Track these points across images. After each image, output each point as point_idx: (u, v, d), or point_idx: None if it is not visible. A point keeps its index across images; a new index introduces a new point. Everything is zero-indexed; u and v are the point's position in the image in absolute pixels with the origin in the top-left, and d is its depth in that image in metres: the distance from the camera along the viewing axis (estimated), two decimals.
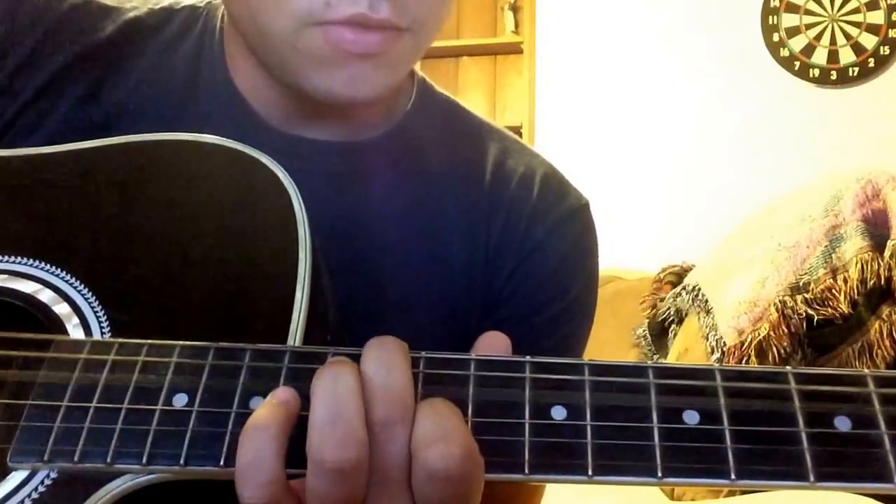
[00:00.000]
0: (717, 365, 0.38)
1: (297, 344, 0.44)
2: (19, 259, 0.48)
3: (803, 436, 0.36)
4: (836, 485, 0.35)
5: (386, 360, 0.38)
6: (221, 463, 0.38)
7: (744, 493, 1.54)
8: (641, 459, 0.36)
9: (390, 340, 0.39)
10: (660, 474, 0.36)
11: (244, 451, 0.36)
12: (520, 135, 2.97)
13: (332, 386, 0.37)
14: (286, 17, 0.52)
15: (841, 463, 0.35)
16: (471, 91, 3.44)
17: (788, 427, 0.36)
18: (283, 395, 0.38)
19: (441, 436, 0.36)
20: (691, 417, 0.37)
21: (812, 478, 0.35)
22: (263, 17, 0.53)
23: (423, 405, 0.37)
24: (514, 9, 3.29)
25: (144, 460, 0.39)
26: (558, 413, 0.38)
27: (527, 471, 0.37)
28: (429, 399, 0.38)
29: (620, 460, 0.36)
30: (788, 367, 0.38)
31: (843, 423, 0.36)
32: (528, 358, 0.39)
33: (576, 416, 0.38)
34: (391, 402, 0.37)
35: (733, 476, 0.35)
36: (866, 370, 0.38)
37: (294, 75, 0.54)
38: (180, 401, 0.40)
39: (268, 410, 0.37)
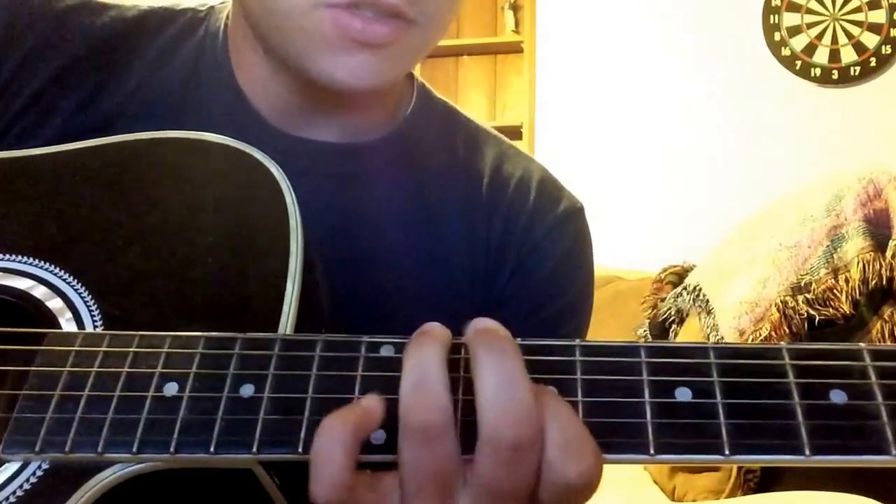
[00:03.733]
0: (710, 343, 0.38)
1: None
2: (14, 256, 0.49)
3: (798, 409, 0.36)
4: (832, 458, 0.35)
5: (507, 371, 0.35)
6: (212, 450, 0.38)
7: (745, 493, 1.54)
8: (634, 437, 0.36)
9: (508, 344, 0.37)
10: (652, 451, 0.35)
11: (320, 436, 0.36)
12: (520, 135, 2.97)
13: (418, 353, 0.37)
14: None
15: (837, 436, 0.35)
16: (471, 90, 3.44)
17: (783, 401, 0.36)
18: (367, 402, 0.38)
19: (577, 444, 0.35)
20: (683, 394, 0.37)
21: (807, 451, 0.35)
22: None
23: (544, 404, 0.35)
24: (515, 8, 3.30)
25: (135, 449, 0.38)
26: None
27: None
28: (542, 389, 0.36)
29: (613, 438, 0.36)
30: (783, 343, 0.37)
31: (838, 397, 0.36)
32: (518, 340, 0.39)
33: (567, 395, 0.37)
34: (521, 422, 0.35)
35: (727, 451, 0.35)
36: (862, 344, 0.37)
37: (299, 58, 0.54)
38: (171, 389, 0.40)
39: (338, 414, 0.37)
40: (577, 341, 0.39)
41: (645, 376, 0.37)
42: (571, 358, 0.38)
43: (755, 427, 0.35)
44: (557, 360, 0.38)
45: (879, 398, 0.35)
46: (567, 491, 0.35)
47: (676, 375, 0.37)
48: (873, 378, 0.36)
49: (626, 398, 0.37)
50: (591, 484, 0.35)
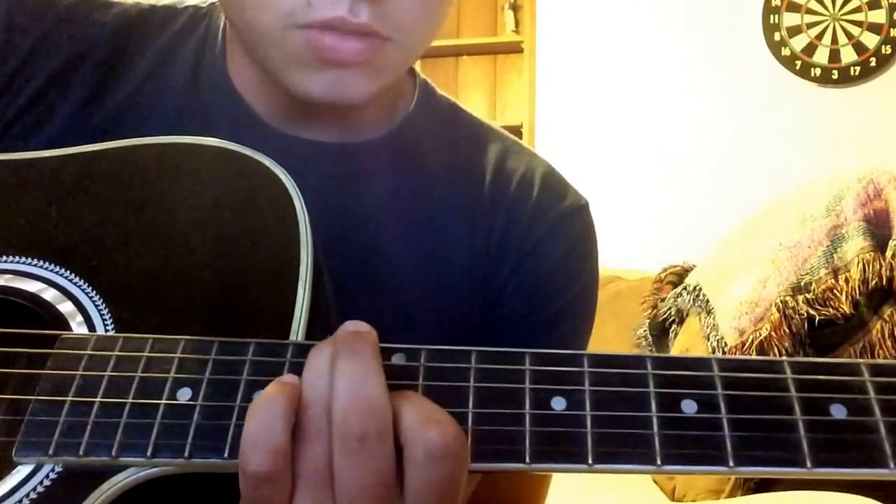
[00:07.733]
0: (714, 356, 0.39)
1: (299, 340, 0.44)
2: (24, 259, 0.49)
3: (800, 423, 0.36)
4: (832, 470, 0.36)
5: (358, 370, 0.37)
6: (226, 455, 0.38)
7: (744, 494, 1.54)
8: (641, 448, 0.37)
9: (363, 345, 0.38)
10: (659, 462, 0.36)
11: (252, 421, 0.36)
12: (520, 134, 2.98)
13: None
14: (271, 16, 0.51)
15: (837, 449, 0.36)
16: (471, 90, 3.44)
17: (785, 415, 0.37)
18: (289, 378, 0.38)
19: (434, 418, 0.36)
20: (689, 406, 0.37)
21: (809, 464, 0.35)
22: (250, 13, 0.52)
23: (401, 399, 0.37)
24: (515, 8, 3.30)
25: (149, 453, 0.39)
26: (558, 403, 0.38)
27: (528, 460, 0.37)
28: (402, 392, 0.38)
29: (620, 448, 0.37)
30: (785, 357, 0.38)
31: (838, 411, 0.37)
32: (527, 350, 0.39)
33: (575, 406, 0.38)
34: (369, 415, 0.36)
35: (731, 463, 0.36)
36: (861, 360, 0.38)
37: (276, 73, 0.54)
38: (184, 395, 0.40)
39: (276, 387, 0.37)
40: (586, 352, 0.39)
41: (651, 388, 0.38)
42: (580, 369, 0.39)
43: (758, 440, 0.36)
44: (566, 371, 0.39)
45: (878, 413, 0.36)
46: (429, 460, 0.35)
47: (682, 388, 0.38)
48: (872, 393, 0.37)
49: (633, 410, 0.38)
50: (450, 448, 0.35)
